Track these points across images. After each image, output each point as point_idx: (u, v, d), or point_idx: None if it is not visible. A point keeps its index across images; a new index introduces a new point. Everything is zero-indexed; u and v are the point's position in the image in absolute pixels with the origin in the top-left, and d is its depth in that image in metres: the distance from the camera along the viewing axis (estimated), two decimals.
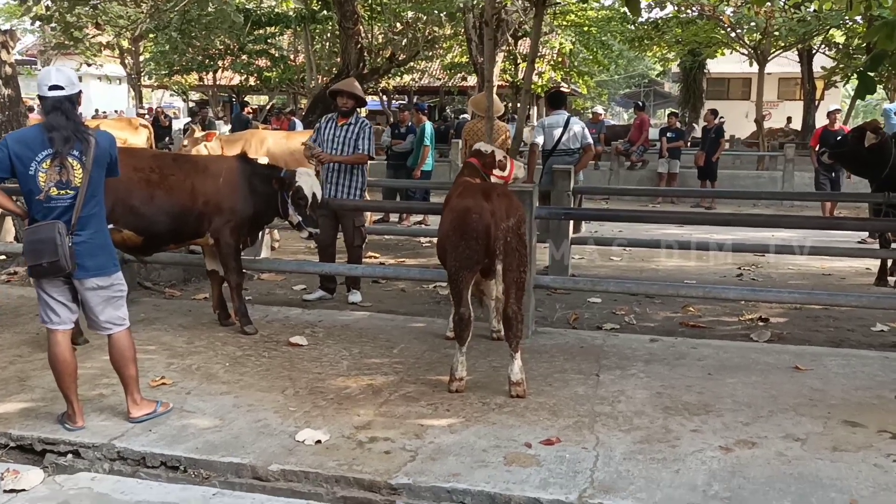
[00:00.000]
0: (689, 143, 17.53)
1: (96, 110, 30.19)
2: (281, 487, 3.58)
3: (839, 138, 10.94)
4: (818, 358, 5.22)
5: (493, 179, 5.19)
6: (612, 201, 15.94)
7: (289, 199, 5.65)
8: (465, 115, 20.84)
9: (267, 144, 9.06)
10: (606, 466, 3.63)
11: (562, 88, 21.58)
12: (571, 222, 7.81)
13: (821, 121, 19.48)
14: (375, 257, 9.11)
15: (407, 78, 30.37)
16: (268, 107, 28.81)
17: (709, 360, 5.17)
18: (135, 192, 5.30)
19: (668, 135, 16.09)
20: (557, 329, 5.95)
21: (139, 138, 10.05)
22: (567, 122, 8.24)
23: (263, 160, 8.57)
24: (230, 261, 5.60)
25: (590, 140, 8.38)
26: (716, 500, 3.34)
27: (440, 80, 30.40)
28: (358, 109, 6.91)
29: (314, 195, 5.70)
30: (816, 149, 11.84)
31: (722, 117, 16.03)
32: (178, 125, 25.85)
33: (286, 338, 5.50)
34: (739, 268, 8.79)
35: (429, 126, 11.46)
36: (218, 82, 29.21)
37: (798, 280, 8.24)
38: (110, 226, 5.28)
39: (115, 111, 30.51)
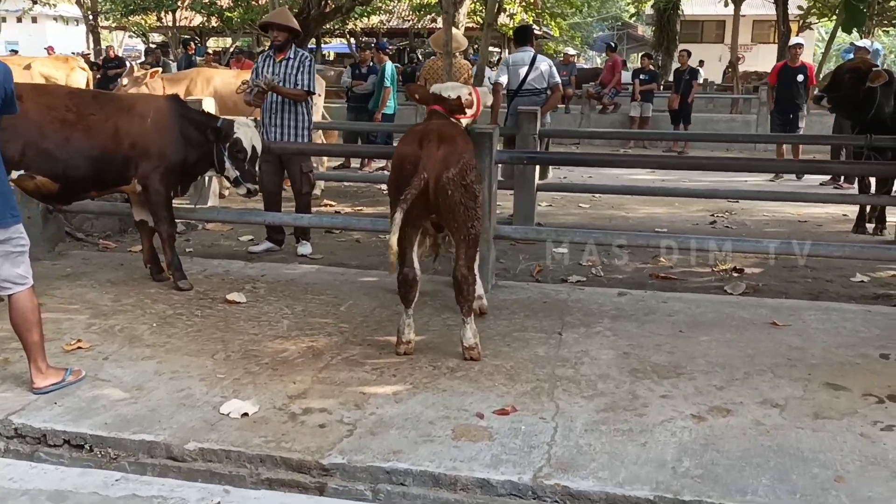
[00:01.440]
0: (661, 86, 17.06)
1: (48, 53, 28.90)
2: (198, 469, 3.16)
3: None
4: (796, 312, 4.87)
5: (463, 122, 4.62)
6: (583, 145, 15.50)
7: (226, 152, 5.15)
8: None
9: (213, 83, 8.47)
10: (566, 440, 3.25)
11: (530, 24, 20.79)
12: (537, 168, 7.36)
13: None
14: (331, 205, 8.62)
15: (375, 20, 29.51)
16: (231, 49, 27.84)
17: (680, 316, 4.79)
18: (48, 133, 4.77)
19: (641, 77, 15.59)
20: (519, 283, 5.55)
21: (75, 79, 9.35)
22: (533, 60, 7.71)
23: (209, 101, 8.05)
24: (160, 210, 5.10)
25: (557, 79, 7.88)
26: (686, 478, 2.97)
27: (409, 21, 29.53)
28: (294, 43, 6.28)
29: (254, 148, 5.21)
30: (775, 86, 11.25)
31: (701, 61, 15.40)
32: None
33: (223, 294, 5.04)
34: (713, 214, 8.42)
35: (389, 66, 10.85)
36: (178, 23, 28.12)
37: (774, 227, 7.89)
38: (20, 172, 4.78)
39: (73, 53, 29.20)
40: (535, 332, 4.51)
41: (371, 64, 11.16)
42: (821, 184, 10.39)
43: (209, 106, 7.85)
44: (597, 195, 9.08)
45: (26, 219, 5.73)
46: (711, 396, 3.68)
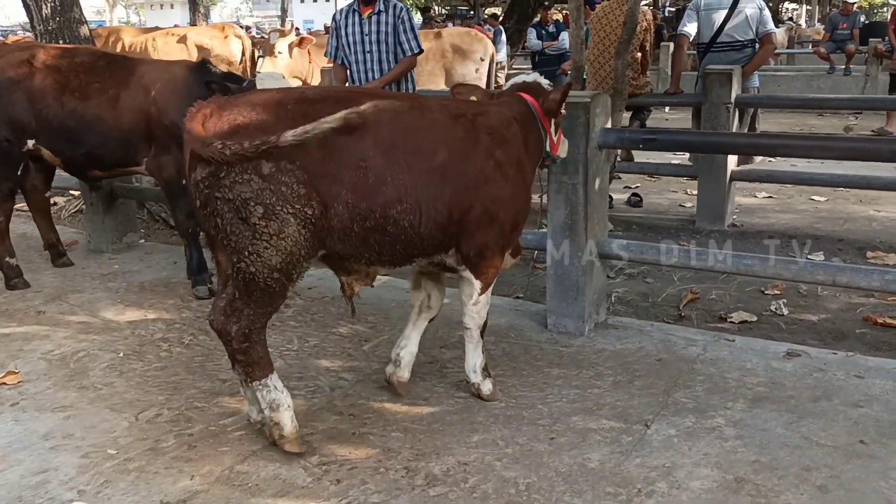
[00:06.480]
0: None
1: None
2: None
3: None
4: None
5: (554, 136, 3.06)
6: (865, 116, 12.55)
7: None
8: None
9: None
10: None
11: None
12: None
13: None
14: None
15: None
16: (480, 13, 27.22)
17: (875, 407, 2.88)
18: (49, 101, 4.05)
19: None
20: (642, 322, 3.83)
21: (227, 49, 8.75)
22: (735, 2, 5.65)
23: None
24: (177, 200, 4.11)
25: (771, 27, 5.70)
26: None
27: None
28: None
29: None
30: None
31: None
32: None
33: None
34: None
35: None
36: None
37: None
38: (32, 142, 4.12)
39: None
40: (610, 416, 2.87)
41: (558, 19, 9.46)
42: None
43: None
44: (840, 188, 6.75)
45: (88, 205, 5.13)
46: None
